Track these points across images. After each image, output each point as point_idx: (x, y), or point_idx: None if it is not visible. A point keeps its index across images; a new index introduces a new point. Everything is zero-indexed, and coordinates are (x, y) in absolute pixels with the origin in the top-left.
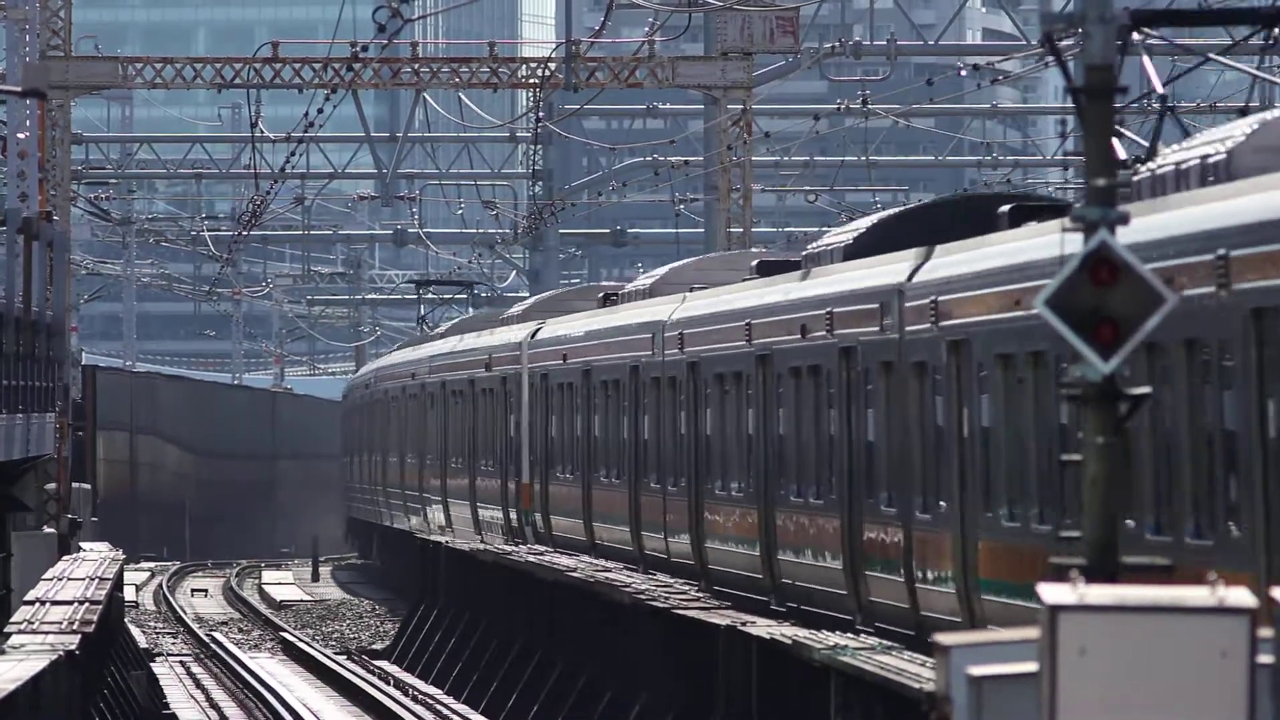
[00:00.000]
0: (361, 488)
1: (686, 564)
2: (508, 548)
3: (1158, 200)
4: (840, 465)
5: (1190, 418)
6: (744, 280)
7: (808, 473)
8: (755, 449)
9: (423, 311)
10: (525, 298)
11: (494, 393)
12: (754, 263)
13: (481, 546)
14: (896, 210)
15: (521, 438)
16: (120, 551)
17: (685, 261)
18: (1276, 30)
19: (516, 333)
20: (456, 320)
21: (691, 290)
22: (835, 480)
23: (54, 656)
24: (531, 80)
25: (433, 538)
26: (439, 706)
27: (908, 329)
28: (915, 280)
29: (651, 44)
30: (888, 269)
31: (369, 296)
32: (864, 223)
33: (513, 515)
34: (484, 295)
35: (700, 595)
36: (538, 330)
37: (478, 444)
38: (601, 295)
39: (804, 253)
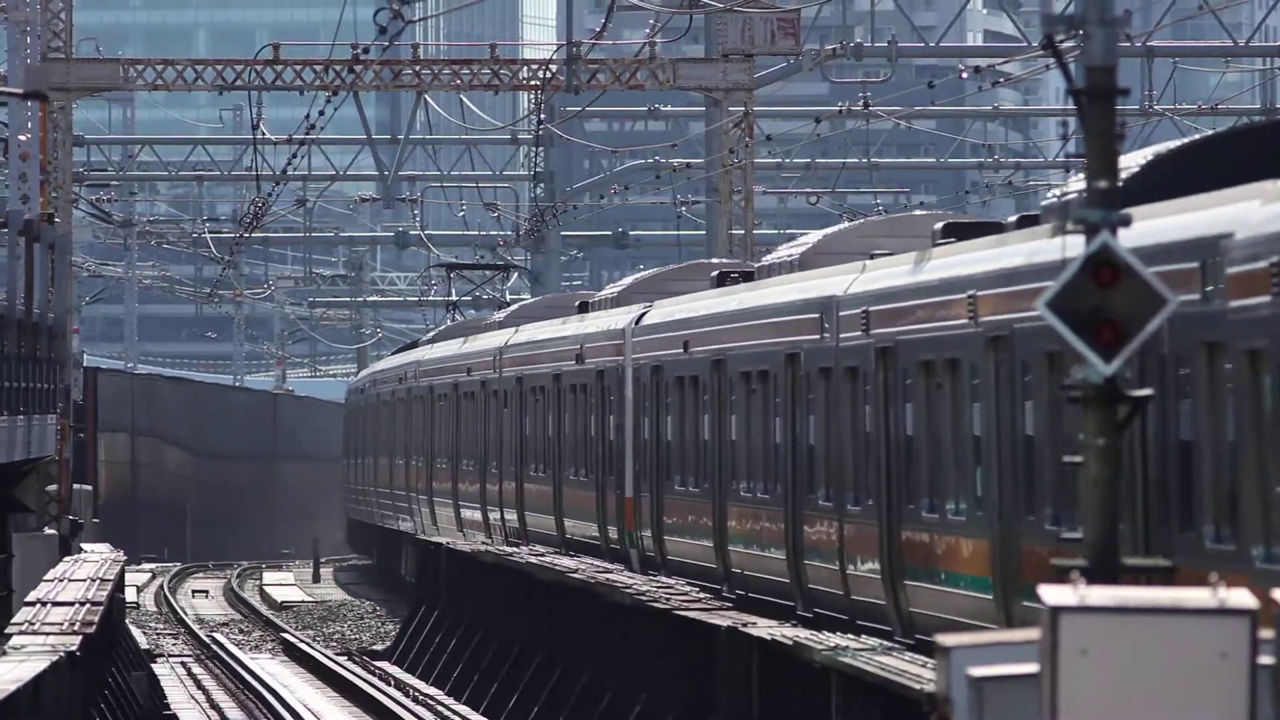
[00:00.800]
0: (388, 493)
1: (874, 604)
2: (602, 569)
3: None
4: (1135, 480)
5: None
6: (935, 246)
7: (1069, 489)
8: (988, 458)
9: (454, 297)
10: (525, 299)
11: (587, 389)
12: (937, 225)
13: (483, 547)
14: (1177, 146)
15: (624, 442)
16: (121, 553)
17: (841, 227)
18: None
19: (616, 318)
20: (514, 308)
21: (872, 257)
22: (1130, 501)
23: (55, 657)
24: (533, 82)
25: (433, 538)
26: (439, 707)
27: (1233, 303)
28: (1242, 236)
29: (652, 46)
30: (1191, 219)
31: (370, 299)
32: (1128, 162)
33: (611, 532)
34: (485, 297)
35: (701, 596)
36: (644, 315)
37: (564, 449)
38: (716, 274)
39: (1043, 204)
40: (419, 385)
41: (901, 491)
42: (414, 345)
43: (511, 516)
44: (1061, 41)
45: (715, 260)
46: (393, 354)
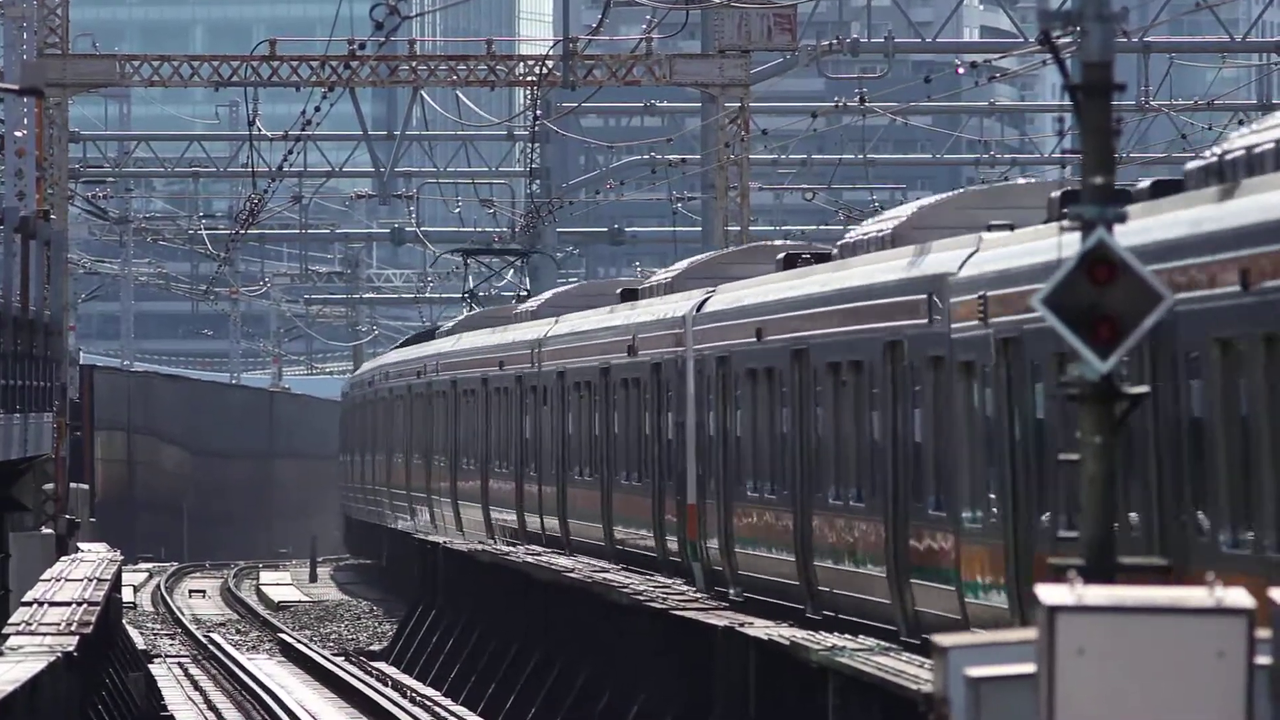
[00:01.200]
0: (402, 494)
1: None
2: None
3: None
4: None
5: None
6: (1060, 219)
7: (1244, 498)
8: (1144, 464)
9: (471, 285)
10: (526, 296)
11: (640, 383)
12: (1054, 194)
13: (480, 547)
14: None
15: (686, 442)
16: (118, 552)
17: (938, 199)
18: None
19: (674, 305)
20: (548, 296)
21: (989, 229)
22: None
23: (52, 658)
24: (529, 78)
25: (438, 538)
26: (437, 708)
27: None
28: None
29: (649, 42)
30: None
31: (367, 295)
32: None
33: (670, 543)
34: (483, 294)
35: (698, 595)
36: (706, 300)
37: (614, 450)
38: (783, 256)
39: (1190, 167)
40: (440, 379)
41: (1033, 503)
42: (427, 336)
43: (552, 522)
44: (1058, 37)
45: (778, 243)
46: (399, 346)
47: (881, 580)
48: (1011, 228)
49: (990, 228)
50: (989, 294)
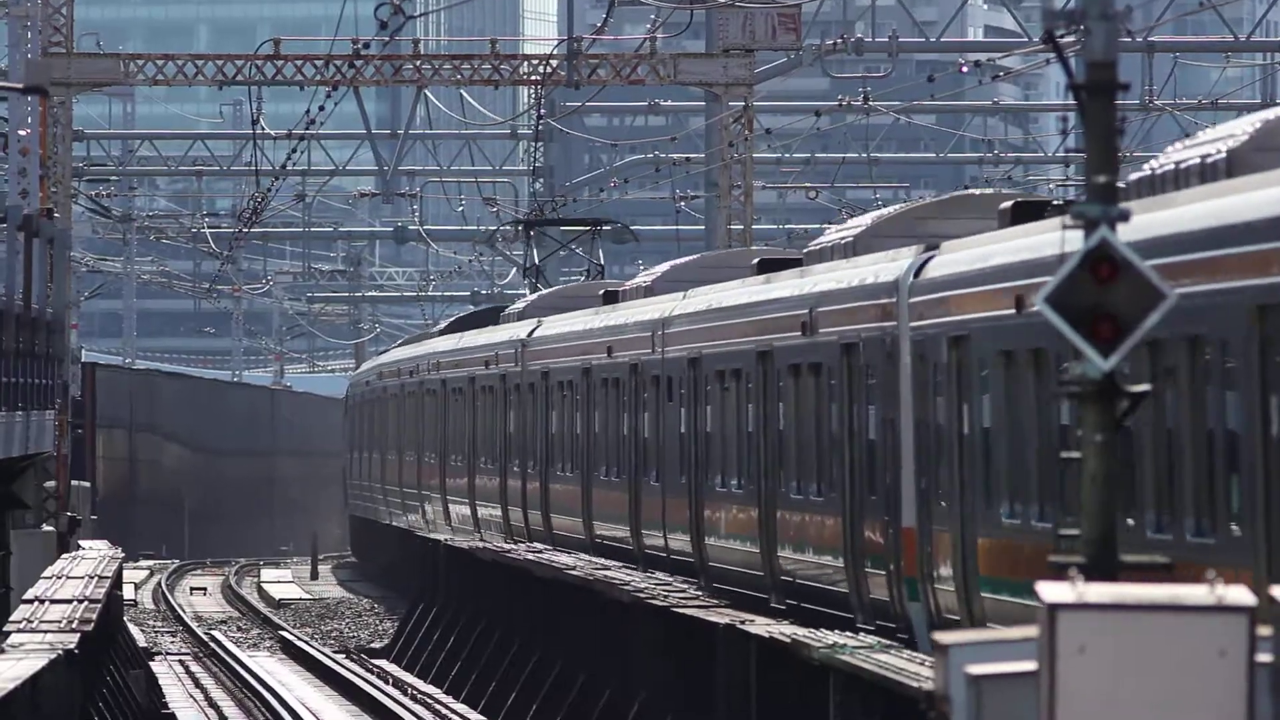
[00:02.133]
0: (461, 500)
1: None
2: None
3: None
4: None
5: None
6: None
7: None
8: None
9: (535, 259)
10: (524, 293)
11: (821, 370)
12: None
13: (480, 544)
14: None
15: (899, 446)
16: (119, 550)
17: None
18: None
19: (875, 269)
20: (664, 270)
21: None
22: None
23: (53, 655)
24: (533, 77)
25: (437, 537)
26: (438, 705)
27: None
28: None
29: (653, 41)
30: None
31: (369, 294)
32: None
33: (872, 580)
34: (483, 293)
35: (699, 594)
36: (927, 263)
37: (780, 455)
38: (1011, 205)
39: None
40: (526, 371)
41: None
42: (489, 319)
43: (680, 541)
44: (1062, 36)
45: (988, 192)
46: (445, 332)
47: None
48: None
49: None
50: None
